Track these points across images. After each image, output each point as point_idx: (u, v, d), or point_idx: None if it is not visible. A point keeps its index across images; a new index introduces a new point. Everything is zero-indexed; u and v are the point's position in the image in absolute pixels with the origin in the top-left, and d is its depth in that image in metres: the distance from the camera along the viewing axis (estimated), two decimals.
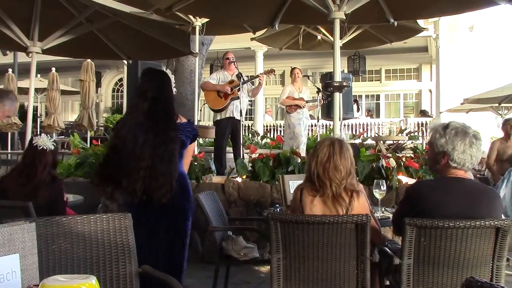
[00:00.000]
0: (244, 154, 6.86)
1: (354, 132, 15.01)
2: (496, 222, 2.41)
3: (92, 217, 2.21)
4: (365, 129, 15.59)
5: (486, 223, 2.41)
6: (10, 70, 12.04)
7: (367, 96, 19.56)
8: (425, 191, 2.63)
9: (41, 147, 3.65)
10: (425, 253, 2.47)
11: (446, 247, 2.44)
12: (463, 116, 14.28)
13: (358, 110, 17.45)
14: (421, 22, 9.11)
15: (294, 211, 2.86)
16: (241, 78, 6.91)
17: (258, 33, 8.73)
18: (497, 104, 12.36)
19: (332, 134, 6.05)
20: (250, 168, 5.86)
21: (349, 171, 2.71)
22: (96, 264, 2.16)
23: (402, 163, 5.47)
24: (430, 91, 17.99)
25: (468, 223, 2.39)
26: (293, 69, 8.36)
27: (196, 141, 8.23)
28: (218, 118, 7.02)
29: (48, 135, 3.85)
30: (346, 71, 14.93)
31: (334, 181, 2.68)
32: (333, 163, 2.69)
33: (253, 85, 7.25)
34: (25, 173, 3.63)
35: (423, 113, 16.52)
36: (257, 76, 7.22)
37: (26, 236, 1.46)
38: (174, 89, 3.35)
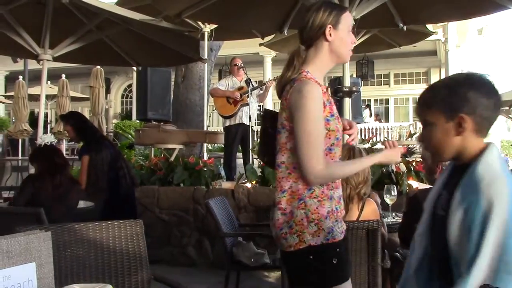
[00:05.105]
0: (254, 160, 6.86)
1: (363, 137, 14.95)
2: None
3: (104, 224, 2.22)
4: (374, 134, 15.53)
5: None
6: (20, 77, 12.15)
7: (376, 100, 19.51)
8: None
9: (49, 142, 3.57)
10: None
11: None
12: None
13: (370, 115, 17.37)
14: (430, 26, 9.06)
15: None
16: (250, 83, 6.92)
17: (267, 39, 8.73)
18: (507, 108, 12.26)
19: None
20: (259, 174, 5.86)
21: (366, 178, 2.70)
22: (107, 271, 2.17)
23: (412, 168, 5.43)
24: None
25: None
26: None
27: (205, 146, 8.34)
28: (228, 124, 7.00)
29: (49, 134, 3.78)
30: (354, 75, 14.88)
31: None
32: None
33: (261, 90, 7.26)
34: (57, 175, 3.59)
35: None
36: (265, 83, 7.22)
37: (42, 245, 1.47)
38: None
